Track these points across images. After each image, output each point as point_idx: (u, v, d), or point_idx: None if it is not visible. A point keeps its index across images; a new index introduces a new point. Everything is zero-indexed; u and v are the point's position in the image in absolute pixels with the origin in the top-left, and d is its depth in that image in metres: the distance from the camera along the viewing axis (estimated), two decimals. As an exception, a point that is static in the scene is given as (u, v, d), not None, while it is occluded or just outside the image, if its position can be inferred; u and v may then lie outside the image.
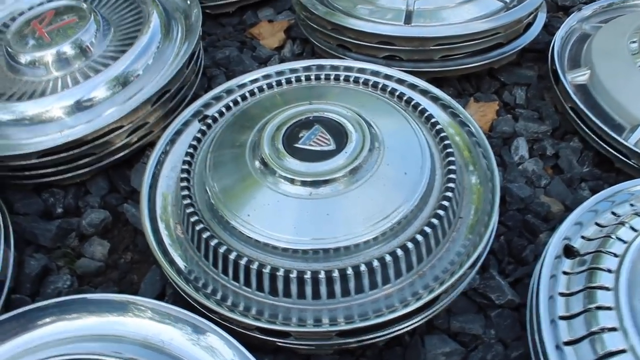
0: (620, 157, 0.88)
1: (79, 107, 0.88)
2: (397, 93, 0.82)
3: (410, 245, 0.64)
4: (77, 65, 0.93)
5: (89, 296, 0.66)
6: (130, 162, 0.94)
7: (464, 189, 0.73)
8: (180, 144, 0.83)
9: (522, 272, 0.79)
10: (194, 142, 0.79)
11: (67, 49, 0.92)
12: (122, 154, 0.92)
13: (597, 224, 0.73)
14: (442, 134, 0.75)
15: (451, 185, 0.69)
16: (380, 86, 0.84)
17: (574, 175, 0.90)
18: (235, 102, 0.85)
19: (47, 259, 0.83)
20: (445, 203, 0.67)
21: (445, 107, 0.83)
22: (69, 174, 0.89)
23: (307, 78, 0.87)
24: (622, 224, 0.69)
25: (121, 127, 0.88)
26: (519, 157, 0.92)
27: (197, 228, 0.68)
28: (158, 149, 0.81)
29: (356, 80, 0.86)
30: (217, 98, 0.88)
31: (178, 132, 0.84)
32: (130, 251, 0.86)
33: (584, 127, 0.93)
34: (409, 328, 0.66)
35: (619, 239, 0.68)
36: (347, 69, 0.89)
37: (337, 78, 0.87)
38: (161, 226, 0.74)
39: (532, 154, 0.94)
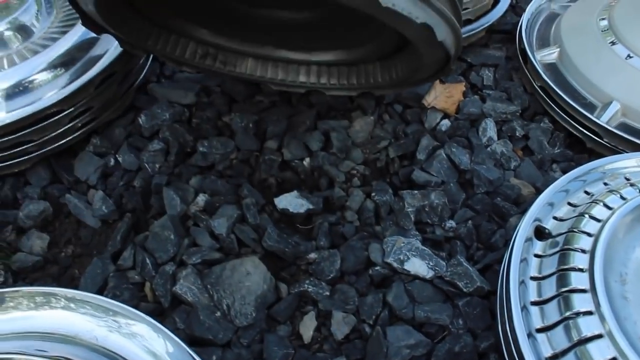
0: (592, 136, 0.85)
1: (17, 90, 0.81)
2: None
3: None
4: (15, 47, 0.86)
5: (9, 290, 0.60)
6: (75, 151, 0.87)
7: None
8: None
9: (491, 258, 0.74)
10: None
11: (4, 29, 0.85)
12: (64, 140, 0.85)
13: (569, 204, 0.69)
14: None
15: None
16: None
17: (545, 157, 0.86)
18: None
19: (-22, 254, 0.76)
20: None
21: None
22: (6, 163, 0.83)
23: None
24: (596, 202, 0.65)
25: (61, 110, 0.82)
26: (487, 138, 0.87)
27: None
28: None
29: None
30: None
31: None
32: (72, 244, 0.79)
33: (555, 107, 0.89)
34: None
35: (593, 218, 0.63)
36: None
37: None
38: None
39: (501, 136, 0.89)
